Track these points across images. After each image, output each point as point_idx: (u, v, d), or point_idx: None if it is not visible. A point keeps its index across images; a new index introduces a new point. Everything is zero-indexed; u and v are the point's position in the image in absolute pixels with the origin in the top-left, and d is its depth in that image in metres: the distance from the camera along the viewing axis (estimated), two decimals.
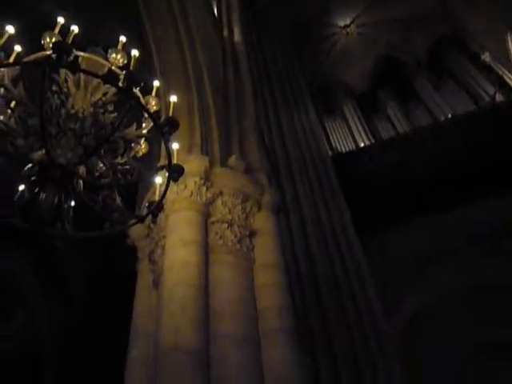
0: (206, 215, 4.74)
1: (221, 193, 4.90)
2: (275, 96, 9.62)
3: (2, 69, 2.91)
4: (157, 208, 3.23)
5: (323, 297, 6.01)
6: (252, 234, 4.90)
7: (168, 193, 4.72)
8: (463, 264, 10.78)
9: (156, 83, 3.51)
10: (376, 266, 8.19)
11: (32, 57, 2.93)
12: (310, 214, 7.24)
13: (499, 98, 13.23)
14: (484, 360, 10.89)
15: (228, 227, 4.74)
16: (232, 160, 5.28)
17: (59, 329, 10.04)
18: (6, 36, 2.74)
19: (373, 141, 12.92)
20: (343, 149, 12.58)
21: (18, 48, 2.97)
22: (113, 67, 3.24)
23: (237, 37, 7.41)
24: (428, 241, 10.19)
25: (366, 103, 14.93)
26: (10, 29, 2.81)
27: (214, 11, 7.56)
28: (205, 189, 4.79)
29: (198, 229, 4.54)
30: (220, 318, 4.10)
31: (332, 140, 13.25)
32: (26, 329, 10.32)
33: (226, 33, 7.29)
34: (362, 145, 12.76)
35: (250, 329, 4.21)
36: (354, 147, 12.75)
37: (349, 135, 13.55)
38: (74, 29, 3.03)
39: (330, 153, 11.20)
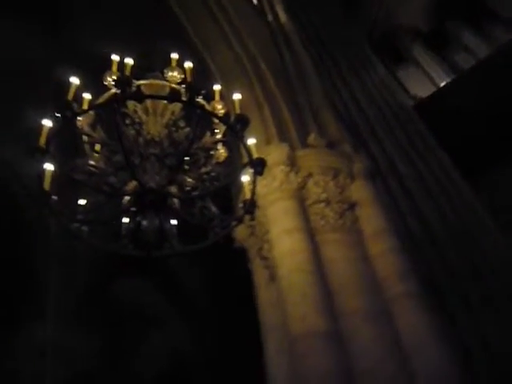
0: (301, 200, 4.72)
1: (310, 174, 4.85)
2: (338, 63, 9.28)
3: (80, 119, 3.14)
4: (250, 205, 3.27)
5: (444, 251, 5.68)
6: (352, 206, 4.78)
7: (259, 188, 4.81)
8: None
9: (216, 87, 3.56)
10: (492, 208, 7.61)
11: (101, 99, 3.10)
12: (407, 171, 6.88)
13: None
14: None
15: (326, 206, 4.68)
16: (312, 139, 5.19)
17: (196, 342, 10.63)
18: (73, 88, 2.93)
19: (454, 76, 12.00)
20: (424, 94, 11.83)
21: (87, 95, 3.17)
22: (173, 85, 3.35)
23: (282, 17, 7.28)
24: None
25: (436, 39, 13.89)
26: (76, 80, 3.00)
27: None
28: (293, 174, 4.77)
29: (297, 215, 4.54)
30: (342, 297, 4.06)
31: (410, 88, 12.53)
32: (167, 347, 11.08)
33: (270, 17, 7.20)
34: (443, 84, 11.91)
35: (375, 300, 4.12)
36: (435, 89, 11.94)
37: (426, 78, 12.72)
38: (129, 61, 3.17)
39: (411, 102, 10.60)
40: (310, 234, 4.45)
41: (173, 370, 11.46)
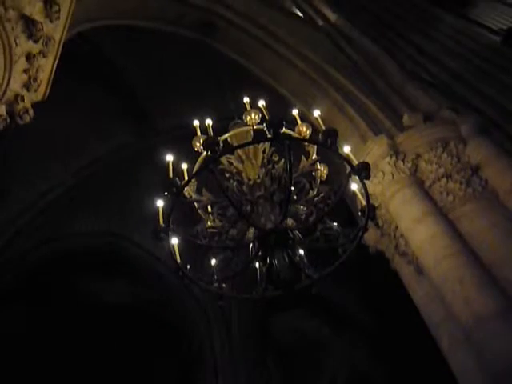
0: (419, 184, 4.50)
1: (418, 155, 4.61)
2: (403, 33, 8.85)
3: (187, 189, 3.33)
4: (370, 211, 3.17)
5: None
6: (476, 169, 4.42)
7: (373, 187, 4.70)
8: None
9: (295, 111, 3.57)
10: None
11: (196, 165, 3.27)
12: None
13: None
14: None
15: (447, 180, 4.38)
16: (406, 119, 4.94)
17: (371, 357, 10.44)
18: (170, 165, 3.13)
19: None
20: (508, 24, 10.74)
21: (184, 166, 3.37)
22: (255, 127, 3.42)
23: (331, 16, 7.15)
24: None
25: None
26: (170, 157, 3.21)
27: (296, 12, 7.49)
28: (401, 162, 4.57)
29: (420, 200, 4.32)
30: (502, 268, 3.72)
31: (491, 25, 11.47)
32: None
33: (320, 21, 7.11)
34: None
35: None
36: None
37: (504, 6, 11.58)
38: (209, 122, 3.32)
39: (498, 38, 9.67)
40: (442, 214, 4.19)
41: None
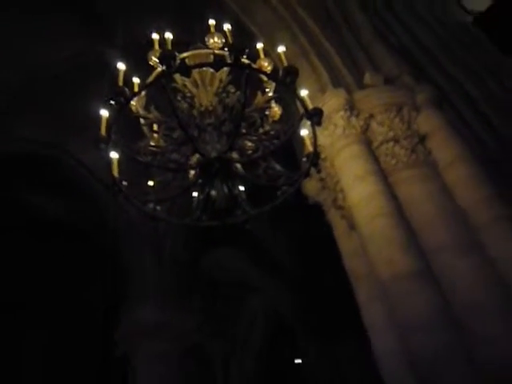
0: (367, 143, 4.56)
1: (372, 115, 4.65)
2: None
3: (134, 103, 3.19)
4: (314, 157, 3.20)
5: None
6: (422, 138, 4.54)
7: (322, 139, 4.73)
8: None
9: (259, 45, 3.46)
10: None
11: (149, 79, 3.12)
12: (478, 93, 6.40)
13: None
14: None
15: (395, 144, 4.48)
16: (367, 78, 4.95)
17: (291, 299, 10.89)
18: (121, 74, 2.97)
19: None
20: (482, 7, 10.84)
21: (135, 79, 3.21)
22: (216, 51, 3.30)
23: None
24: None
25: None
26: (122, 66, 3.04)
27: None
28: (354, 119, 4.60)
29: (366, 159, 4.40)
30: (427, 234, 3.92)
31: (464, 3, 11.52)
32: (265, 308, 11.47)
33: None
34: None
35: (462, 232, 3.93)
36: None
37: None
38: (169, 36, 3.15)
39: (469, 19, 9.76)
40: (383, 175, 4.31)
41: (274, 330, 11.92)
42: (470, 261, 3.80)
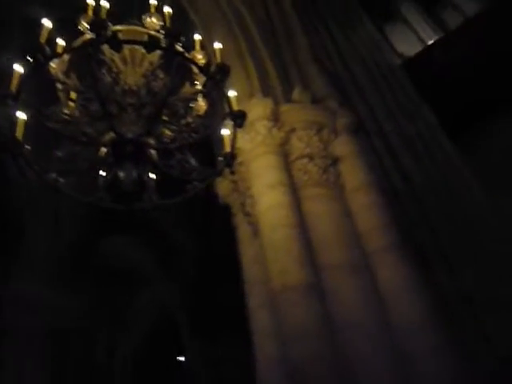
0: (284, 155, 4.68)
1: (293, 129, 4.79)
2: (325, 18, 9.04)
3: (54, 65, 3.01)
4: (230, 158, 3.22)
5: (425, 208, 5.73)
6: (335, 161, 4.77)
7: (242, 143, 4.77)
8: None
9: (197, 37, 3.44)
10: (476, 168, 7.65)
11: (75, 43, 2.97)
12: (391, 128, 6.83)
13: None
14: None
15: (309, 161, 4.65)
16: (296, 93, 5.10)
17: (182, 295, 10.81)
18: (45, 31, 2.78)
19: (442, 34, 11.82)
20: (412, 53, 11.67)
21: (60, 41, 3.03)
22: (151, 32, 3.22)
23: None
24: None
25: None
26: (48, 23, 2.85)
27: None
28: (276, 130, 4.71)
29: (280, 170, 4.51)
30: (323, 251, 4.10)
31: (397, 47, 12.33)
32: (154, 302, 11.28)
33: None
34: (431, 42, 11.73)
35: (356, 254, 4.17)
36: (422, 47, 11.77)
37: (415, 37, 12.50)
38: (105, 4, 3.01)
39: (399, 60, 10.45)
40: (293, 188, 4.44)
41: (161, 324, 11.74)
42: (358, 282, 4.04)
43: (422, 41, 12.18)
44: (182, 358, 12.59)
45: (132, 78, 3.15)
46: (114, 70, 3.16)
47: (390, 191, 5.50)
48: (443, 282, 4.72)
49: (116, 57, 3.18)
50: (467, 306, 4.79)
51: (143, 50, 3.20)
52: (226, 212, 5.56)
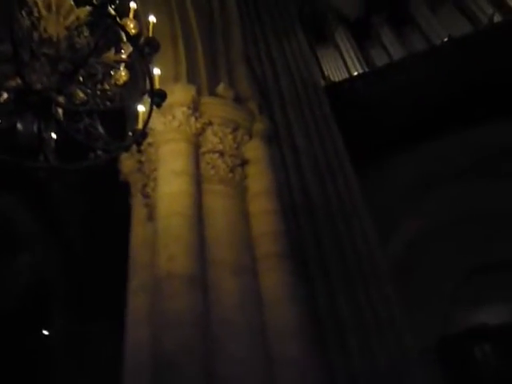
0: (196, 146, 4.67)
1: (210, 122, 4.80)
2: (264, 24, 9.20)
3: None
4: (141, 136, 3.14)
5: (318, 225, 6.04)
6: (244, 162, 4.85)
7: (156, 124, 4.68)
8: (463, 189, 10.89)
9: (132, 4, 3.31)
10: (372, 195, 8.21)
11: None
12: (303, 144, 7.12)
13: (497, 18, 12.75)
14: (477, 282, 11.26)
15: (219, 157, 4.69)
16: (220, 88, 5.12)
17: (61, 265, 10.27)
18: None
19: (367, 69, 12.56)
20: (336, 78, 12.25)
21: None
22: None
23: None
24: (423, 168, 10.21)
25: (360, 30, 14.36)
26: None
27: None
28: (194, 119, 4.68)
29: (188, 159, 4.49)
30: (215, 246, 4.14)
31: (325, 69, 12.86)
32: (32, 268, 10.58)
33: None
34: (356, 73, 12.41)
35: (245, 255, 4.27)
36: (347, 76, 12.41)
37: (342, 64, 13.14)
38: None
39: (322, 82, 10.92)
40: (198, 180, 4.44)
41: (35, 291, 11.02)
42: (242, 282, 4.13)
43: (349, 70, 12.88)
44: (46, 332, 11.93)
45: (54, 27, 2.95)
46: (36, 14, 2.94)
47: (288, 202, 5.72)
48: (320, 296, 5.01)
49: (40, 1, 2.97)
50: (336, 322, 5.12)
51: (72, 2, 3.02)
52: (123, 190, 5.40)
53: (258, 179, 4.76)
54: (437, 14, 13.97)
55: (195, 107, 4.72)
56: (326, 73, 12.64)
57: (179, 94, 4.62)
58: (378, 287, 6.23)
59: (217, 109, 4.86)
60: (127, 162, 5.16)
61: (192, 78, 5.02)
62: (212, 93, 5.07)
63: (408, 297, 6.74)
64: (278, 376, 3.85)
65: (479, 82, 9.76)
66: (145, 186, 4.85)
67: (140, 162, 4.97)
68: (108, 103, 2.99)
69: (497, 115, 9.77)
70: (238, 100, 5.24)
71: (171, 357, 3.38)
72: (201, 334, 3.59)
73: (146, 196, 4.84)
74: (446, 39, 12.50)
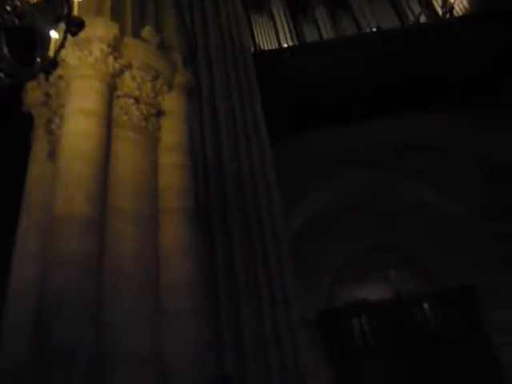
0: (111, 87, 4.44)
1: (130, 65, 4.58)
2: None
3: None
4: (51, 65, 2.95)
5: (226, 187, 6.09)
6: (160, 113, 4.72)
7: (70, 58, 4.39)
8: (364, 176, 11.58)
9: None
10: (283, 167, 8.43)
11: None
12: (223, 107, 7.08)
13: (423, 19, 13.42)
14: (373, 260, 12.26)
15: (134, 103, 4.51)
16: (146, 32, 4.88)
17: None
18: None
19: (297, 43, 12.68)
20: (266, 47, 12.24)
21: None
22: None
23: None
24: (333, 150, 10.67)
25: (296, 4, 14.40)
26: None
27: None
28: (112, 58, 4.43)
29: (101, 100, 4.26)
30: (118, 194, 4.03)
31: (256, 36, 12.79)
32: None
33: None
34: (286, 45, 12.49)
35: (149, 206, 4.20)
36: (277, 46, 12.45)
37: (274, 34, 13.13)
38: None
39: (252, 49, 10.86)
40: (108, 124, 4.24)
41: None
42: (141, 232, 4.07)
43: (279, 41, 12.91)
44: None
45: None
46: None
47: (200, 160, 5.71)
48: (219, 255, 5.11)
49: None
50: (232, 282, 5.27)
51: None
52: (24, 122, 5.03)
53: (172, 132, 4.67)
54: (371, 4, 14.39)
55: (116, 47, 4.46)
56: (257, 40, 12.57)
57: (100, 30, 4.34)
58: (276, 257, 6.48)
59: (139, 52, 4.64)
60: (33, 94, 4.80)
61: (116, 16, 4.73)
62: (136, 35, 4.81)
63: (298, 270, 7.06)
64: (169, 327, 3.89)
65: (396, 77, 10.28)
66: (50, 121, 4.55)
67: (47, 94, 4.64)
68: (17, 21, 2.74)
69: (406, 109, 10.42)
70: (163, 48, 5.04)
71: (60, 296, 3.28)
72: (93, 278, 3.51)
73: (50, 133, 4.55)
74: (374, 29, 12.97)
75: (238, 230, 5.73)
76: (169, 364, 3.75)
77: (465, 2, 12.85)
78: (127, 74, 4.53)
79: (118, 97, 4.47)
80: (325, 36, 13.15)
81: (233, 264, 5.61)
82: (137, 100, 4.50)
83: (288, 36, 13.09)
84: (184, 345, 3.87)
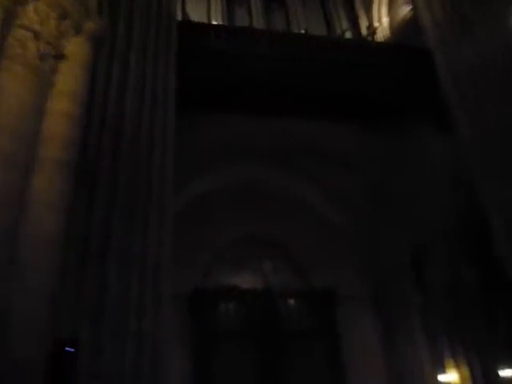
0: (10, 14, 4.05)
1: None
2: None
3: None
4: None
5: (121, 148, 5.86)
6: (60, 56, 4.41)
7: None
8: (257, 166, 11.95)
9: None
10: (183, 143, 8.33)
11: None
12: (135, 63, 6.80)
13: (348, 35, 14.02)
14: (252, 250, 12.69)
15: (33, 38, 4.16)
16: None
17: None
18: None
19: (226, 24, 12.57)
20: (193, 19, 11.94)
21: None
22: None
23: None
24: (235, 138, 10.83)
25: None
26: None
27: None
28: None
29: None
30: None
31: (187, 7, 12.42)
32: None
33: None
34: (215, 23, 12.33)
35: (26, 151, 3.93)
36: (206, 21, 12.23)
37: (205, 9, 12.88)
38: None
39: (180, 16, 10.58)
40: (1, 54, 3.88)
41: None
42: (11, 177, 3.79)
43: (209, 17, 12.70)
44: None
45: None
46: None
47: (98, 114, 5.44)
48: (94, 214, 4.92)
49: None
50: (102, 240, 5.13)
51: None
52: None
53: (70, 79, 4.40)
54: (305, 6, 14.72)
55: None
56: (187, 11, 12.21)
57: None
58: (157, 229, 6.38)
59: None
60: None
61: None
62: None
63: (179, 246, 7.05)
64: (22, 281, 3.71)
65: (312, 81, 10.62)
66: None
67: None
68: None
69: (316, 114, 10.84)
70: None
71: None
72: None
73: None
74: (303, 31, 13.29)
75: (122, 193, 5.58)
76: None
77: (387, 31, 13.69)
78: (31, 6, 4.16)
79: (16, 27, 4.09)
80: (255, 24, 13.19)
81: (109, 228, 5.46)
82: (36, 35, 4.16)
83: (219, 15, 12.93)
84: (34, 300, 3.71)
